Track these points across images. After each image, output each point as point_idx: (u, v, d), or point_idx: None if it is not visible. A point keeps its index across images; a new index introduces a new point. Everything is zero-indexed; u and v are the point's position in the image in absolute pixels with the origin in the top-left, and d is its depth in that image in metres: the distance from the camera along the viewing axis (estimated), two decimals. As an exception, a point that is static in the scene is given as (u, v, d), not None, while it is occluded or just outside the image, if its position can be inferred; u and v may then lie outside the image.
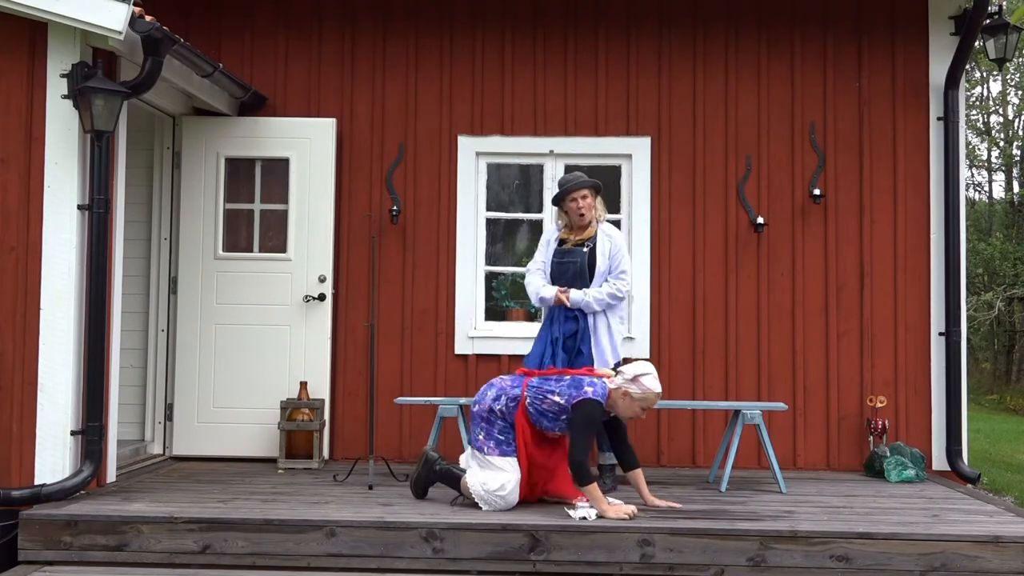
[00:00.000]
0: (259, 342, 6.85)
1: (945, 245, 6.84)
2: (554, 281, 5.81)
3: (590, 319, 5.74)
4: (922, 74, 6.97)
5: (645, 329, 6.96)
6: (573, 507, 5.01)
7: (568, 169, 7.06)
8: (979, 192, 24.90)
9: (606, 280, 5.75)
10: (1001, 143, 23.77)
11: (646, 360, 5.25)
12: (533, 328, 6.94)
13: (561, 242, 5.88)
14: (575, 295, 5.71)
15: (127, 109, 5.71)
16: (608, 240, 5.80)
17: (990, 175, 25.05)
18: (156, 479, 6.08)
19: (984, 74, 22.10)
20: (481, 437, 5.24)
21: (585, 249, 5.79)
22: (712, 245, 6.98)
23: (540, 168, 7.13)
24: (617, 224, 7.07)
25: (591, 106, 7.08)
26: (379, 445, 6.76)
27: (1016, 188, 22.76)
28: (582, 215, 5.78)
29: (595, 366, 5.61)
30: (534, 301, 5.93)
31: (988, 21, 6.79)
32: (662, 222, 7.01)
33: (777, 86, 7.05)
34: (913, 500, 5.75)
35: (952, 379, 6.76)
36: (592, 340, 5.73)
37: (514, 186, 7.15)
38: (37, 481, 5.26)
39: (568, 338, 5.74)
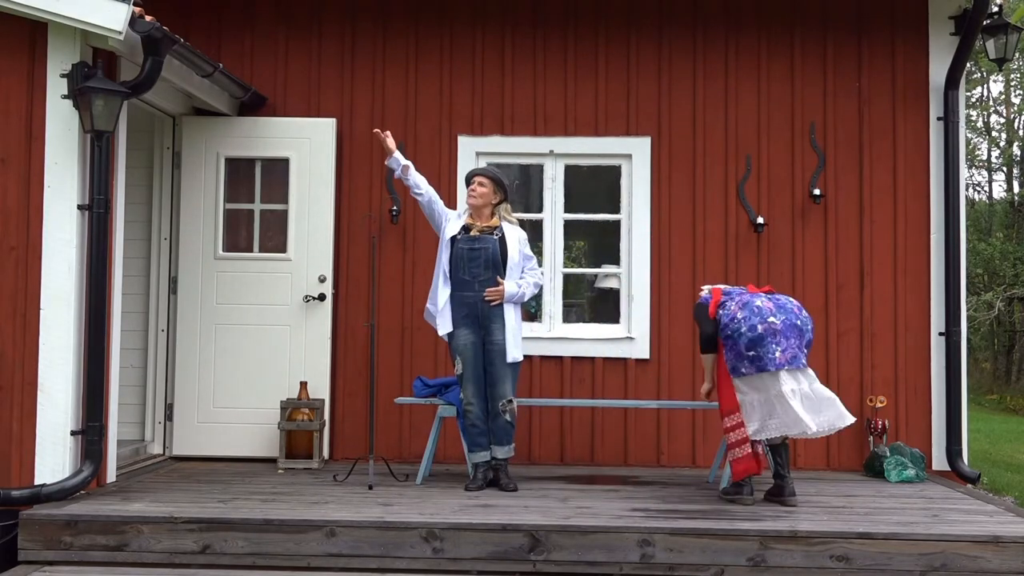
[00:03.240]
0: (259, 342, 6.85)
1: (945, 245, 6.84)
2: (466, 267, 5.83)
3: (507, 310, 5.82)
4: (922, 74, 6.97)
5: (645, 329, 6.95)
6: None
7: (568, 169, 7.08)
8: (979, 192, 24.88)
9: (524, 271, 5.87)
10: (1001, 143, 23.77)
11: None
12: (533, 328, 6.96)
13: (467, 228, 5.92)
14: (510, 289, 5.79)
15: (127, 109, 5.71)
16: (516, 231, 5.93)
17: (990, 175, 25.04)
18: (156, 479, 6.08)
19: (984, 74, 22.07)
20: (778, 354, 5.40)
21: (495, 236, 5.87)
22: (712, 245, 6.97)
23: (540, 168, 7.12)
24: (617, 224, 7.09)
25: (591, 106, 7.08)
26: (379, 445, 6.76)
27: (1016, 188, 22.75)
28: (472, 197, 5.90)
29: (507, 358, 5.76)
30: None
31: (988, 21, 6.78)
32: (662, 222, 7.01)
33: (777, 86, 7.04)
34: (913, 500, 5.75)
35: (952, 379, 6.75)
36: (506, 331, 5.80)
37: (514, 186, 7.14)
38: (37, 481, 5.26)
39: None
